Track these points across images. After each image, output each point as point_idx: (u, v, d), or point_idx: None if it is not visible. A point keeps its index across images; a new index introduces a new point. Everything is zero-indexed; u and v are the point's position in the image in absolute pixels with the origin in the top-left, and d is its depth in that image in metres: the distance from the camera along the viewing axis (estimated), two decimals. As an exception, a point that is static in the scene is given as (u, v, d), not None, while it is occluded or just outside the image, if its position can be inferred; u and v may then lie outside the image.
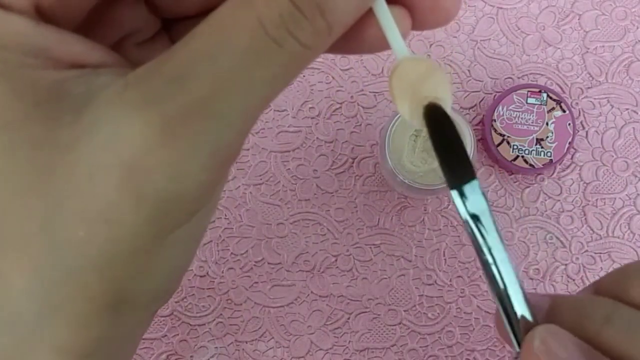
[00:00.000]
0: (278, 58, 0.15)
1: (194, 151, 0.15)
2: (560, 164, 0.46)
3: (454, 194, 0.18)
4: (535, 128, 0.45)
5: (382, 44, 0.18)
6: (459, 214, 0.18)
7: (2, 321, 0.16)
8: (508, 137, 0.45)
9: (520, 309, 0.19)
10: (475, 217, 0.18)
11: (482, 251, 0.18)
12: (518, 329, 0.19)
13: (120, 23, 0.20)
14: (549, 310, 0.21)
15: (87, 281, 0.16)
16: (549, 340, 0.18)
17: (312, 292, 0.46)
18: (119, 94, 0.16)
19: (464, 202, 0.18)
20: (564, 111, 0.45)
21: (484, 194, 0.18)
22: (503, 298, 0.19)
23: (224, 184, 0.19)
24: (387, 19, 0.17)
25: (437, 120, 0.17)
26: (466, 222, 0.18)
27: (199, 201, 0.17)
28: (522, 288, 0.19)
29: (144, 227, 0.16)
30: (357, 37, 0.18)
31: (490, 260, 0.18)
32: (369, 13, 0.17)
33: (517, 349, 0.19)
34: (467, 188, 0.18)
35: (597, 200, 0.46)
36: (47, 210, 0.15)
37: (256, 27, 0.15)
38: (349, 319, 0.46)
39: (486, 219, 0.18)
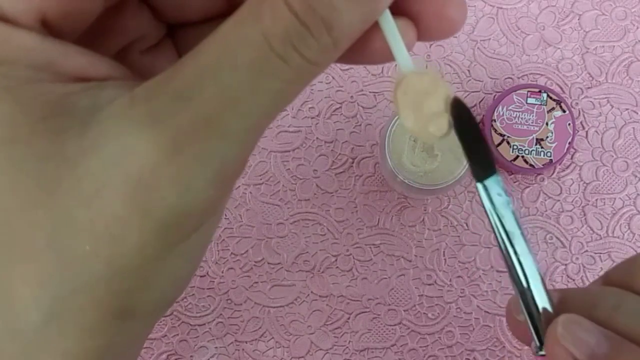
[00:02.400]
0: (283, 74, 0.15)
1: (201, 167, 0.15)
2: (560, 164, 0.46)
3: (479, 186, 0.18)
4: (535, 128, 0.45)
5: (387, 56, 0.18)
6: (482, 206, 0.18)
7: (8, 329, 0.16)
8: (508, 137, 0.45)
9: (542, 301, 0.19)
10: (498, 210, 0.18)
11: (504, 243, 0.18)
12: (539, 322, 0.19)
13: (125, 30, 0.20)
14: (558, 304, 0.21)
15: (94, 293, 0.16)
16: (572, 327, 0.19)
17: (312, 292, 0.46)
18: (126, 109, 0.16)
19: (488, 194, 0.18)
20: (564, 111, 0.45)
21: (505, 189, 0.18)
22: (525, 291, 0.19)
23: (229, 196, 0.19)
24: (393, 33, 0.17)
25: (462, 117, 0.18)
26: (490, 213, 0.18)
27: (205, 215, 0.17)
28: (543, 280, 0.19)
29: (151, 241, 0.16)
30: (362, 49, 0.17)
31: (511, 251, 0.18)
32: (374, 25, 0.17)
33: (538, 343, 0.19)
34: (491, 181, 0.18)
35: (597, 200, 0.46)
36: (54, 224, 0.15)
37: (261, 42, 0.15)
38: (349, 319, 0.46)
39: (508, 212, 0.18)
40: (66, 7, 0.17)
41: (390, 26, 0.17)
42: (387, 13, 0.17)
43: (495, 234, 0.19)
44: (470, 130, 0.18)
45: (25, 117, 0.16)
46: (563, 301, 0.21)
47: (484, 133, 0.18)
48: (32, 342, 0.16)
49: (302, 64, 0.15)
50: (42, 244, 0.16)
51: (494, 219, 0.18)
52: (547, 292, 0.19)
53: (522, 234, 0.18)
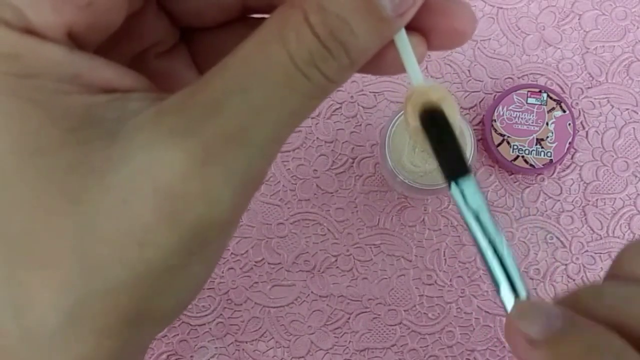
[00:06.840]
0: (306, 90, 0.17)
1: (228, 178, 0.16)
2: (560, 164, 0.46)
3: (453, 186, 0.19)
4: (536, 128, 0.45)
5: (398, 69, 0.19)
6: (457, 205, 0.18)
7: (23, 332, 0.16)
8: (508, 137, 0.45)
9: (524, 293, 0.19)
10: (474, 210, 0.19)
11: (481, 242, 0.19)
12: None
13: (143, 36, 0.21)
14: None
15: (115, 298, 0.16)
16: (524, 310, 0.18)
17: (312, 292, 0.46)
18: (154, 121, 0.16)
19: (462, 193, 0.18)
20: (564, 111, 0.45)
21: (479, 188, 0.18)
22: (504, 290, 0.19)
23: (249, 204, 0.20)
24: (406, 48, 0.18)
25: (431, 118, 0.18)
26: (465, 214, 0.19)
27: (229, 223, 0.18)
28: (522, 278, 0.19)
29: (176, 249, 0.16)
30: (375, 61, 0.18)
31: (490, 249, 0.19)
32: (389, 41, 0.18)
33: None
34: (463, 181, 0.18)
35: (597, 200, 0.46)
36: (79, 231, 0.16)
37: (287, 62, 0.16)
38: (349, 319, 0.46)
39: (483, 212, 0.19)
40: (91, 20, 0.17)
41: (404, 42, 0.18)
42: (402, 30, 0.18)
43: (471, 235, 0.19)
44: (438, 131, 0.18)
45: (53, 129, 0.16)
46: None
47: (455, 134, 0.19)
48: (46, 345, 0.16)
49: (322, 81, 0.17)
50: (66, 250, 0.16)
51: (471, 218, 0.19)
52: (527, 288, 0.19)
53: (499, 230, 0.19)
